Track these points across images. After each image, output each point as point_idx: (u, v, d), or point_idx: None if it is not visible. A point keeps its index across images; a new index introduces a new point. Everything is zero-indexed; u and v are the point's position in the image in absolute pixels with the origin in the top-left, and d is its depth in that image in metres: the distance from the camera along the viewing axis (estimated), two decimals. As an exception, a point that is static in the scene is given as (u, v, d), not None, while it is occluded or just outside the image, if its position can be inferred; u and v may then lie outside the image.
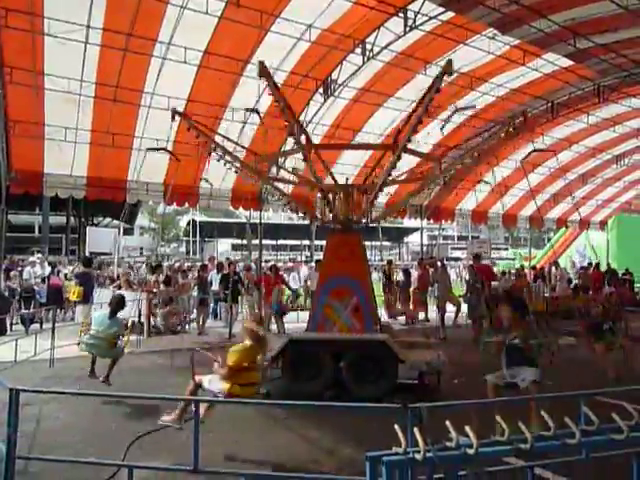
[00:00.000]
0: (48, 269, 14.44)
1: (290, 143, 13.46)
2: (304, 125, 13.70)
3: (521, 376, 4.95)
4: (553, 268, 18.87)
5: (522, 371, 4.99)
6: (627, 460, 2.84)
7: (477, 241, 26.26)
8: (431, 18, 10.69)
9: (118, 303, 6.98)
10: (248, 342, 4.77)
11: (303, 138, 7.65)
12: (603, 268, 18.20)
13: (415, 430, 2.45)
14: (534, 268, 19.13)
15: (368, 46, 11.58)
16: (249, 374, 4.68)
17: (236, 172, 9.21)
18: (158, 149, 10.63)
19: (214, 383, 4.71)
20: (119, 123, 11.86)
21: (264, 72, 6.82)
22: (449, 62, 6.81)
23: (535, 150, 12.89)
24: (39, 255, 16.90)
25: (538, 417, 3.96)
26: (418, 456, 2.31)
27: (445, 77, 6.76)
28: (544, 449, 2.63)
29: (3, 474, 3.18)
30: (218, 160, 8.36)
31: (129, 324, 9.04)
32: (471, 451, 2.34)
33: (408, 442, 2.41)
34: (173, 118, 7.81)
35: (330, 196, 7.45)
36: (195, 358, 4.92)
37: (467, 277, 14.23)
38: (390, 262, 16.25)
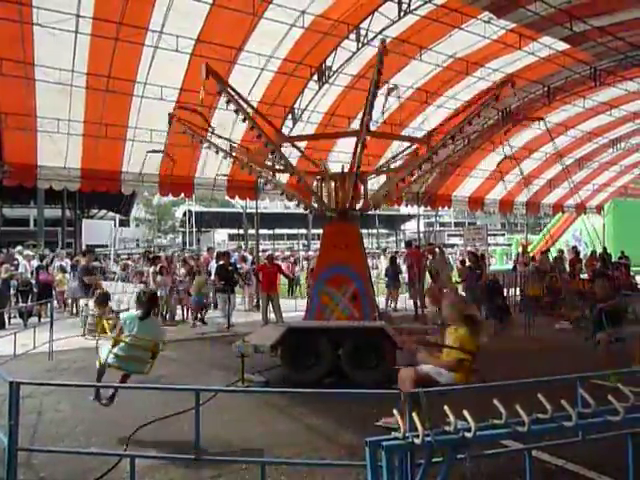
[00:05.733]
0: (35, 263, 14.38)
1: (285, 132, 13.50)
2: (299, 113, 13.68)
3: (627, 332, 6.49)
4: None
5: (625, 329, 6.58)
6: (623, 441, 2.88)
7: (473, 227, 26.25)
8: (426, 2, 10.58)
9: (150, 300, 5.32)
10: (464, 325, 4.38)
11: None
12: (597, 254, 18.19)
13: (414, 415, 2.47)
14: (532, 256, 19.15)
15: (362, 32, 11.47)
16: (473, 360, 4.34)
17: (233, 162, 9.20)
18: (158, 152, 10.51)
19: (445, 374, 4.30)
20: (112, 114, 11.75)
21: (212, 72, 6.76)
22: (511, 76, 6.97)
23: (505, 157, 12.82)
24: (19, 248, 16.75)
25: None
26: (417, 440, 2.33)
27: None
28: (541, 432, 2.66)
29: (6, 466, 3.20)
30: (217, 152, 8.33)
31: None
32: (469, 435, 2.37)
33: (407, 427, 2.43)
34: (170, 123, 7.78)
35: (327, 184, 7.44)
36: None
37: (461, 263, 14.29)
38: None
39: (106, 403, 5.03)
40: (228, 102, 7.38)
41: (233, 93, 7.34)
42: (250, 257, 16.74)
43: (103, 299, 10.39)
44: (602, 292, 6.96)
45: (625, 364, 5.91)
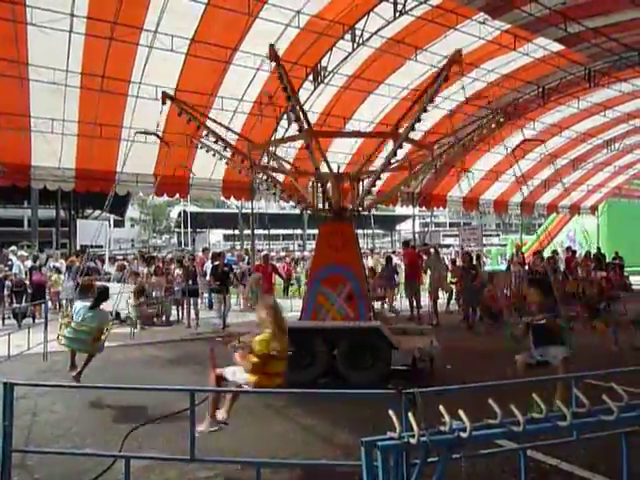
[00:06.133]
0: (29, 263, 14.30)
1: (280, 132, 13.50)
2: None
3: (552, 354, 5.18)
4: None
5: (551, 349, 5.20)
6: (617, 441, 2.89)
7: (468, 228, 26.32)
8: (421, 3, 10.60)
9: (100, 294, 6.63)
10: (270, 330, 4.51)
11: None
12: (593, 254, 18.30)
13: (409, 415, 2.47)
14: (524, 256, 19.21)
15: (358, 32, 11.48)
16: (275, 363, 4.47)
17: (226, 163, 9.16)
18: (148, 133, 10.42)
19: (239, 374, 4.50)
20: (106, 114, 11.70)
21: (274, 56, 6.81)
22: (458, 51, 6.78)
23: (526, 140, 13.03)
24: (13, 248, 16.66)
25: (563, 393, 4.30)
26: (413, 440, 2.33)
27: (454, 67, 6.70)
28: (536, 431, 2.67)
29: (0, 467, 3.17)
30: (207, 151, 8.30)
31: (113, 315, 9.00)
32: (464, 435, 2.37)
33: (403, 427, 2.44)
34: (164, 102, 7.71)
35: (323, 185, 7.43)
36: (215, 349, 4.81)
37: (452, 263, 14.30)
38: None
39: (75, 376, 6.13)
40: (189, 121, 7.45)
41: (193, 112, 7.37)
42: (246, 257, 16.76)
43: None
44: (535, 303, 5.54)
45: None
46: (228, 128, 8.96)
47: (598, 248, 19.76)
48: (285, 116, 13.71)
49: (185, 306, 12.61)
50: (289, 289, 18.61)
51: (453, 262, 14.07)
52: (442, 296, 13.70)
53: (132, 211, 47.53)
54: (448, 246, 39.57)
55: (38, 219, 29.14)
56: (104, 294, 6.70)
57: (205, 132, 7.62)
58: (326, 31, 11.33)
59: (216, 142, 7.73)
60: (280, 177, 11.55)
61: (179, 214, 47.39)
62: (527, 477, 2.80)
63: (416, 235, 21.90)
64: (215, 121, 8.62)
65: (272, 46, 6.84)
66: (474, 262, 13.19)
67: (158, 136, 10.39)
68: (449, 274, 13.99)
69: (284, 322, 4.56)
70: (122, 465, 3.32)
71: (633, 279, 17.71)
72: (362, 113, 14.49)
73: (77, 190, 13.71)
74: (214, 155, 8.42)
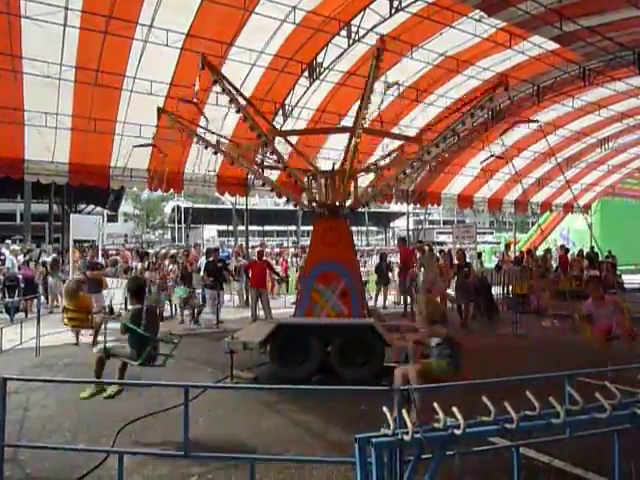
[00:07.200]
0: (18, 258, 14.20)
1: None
2: (289, 109, 13.65)
3: None
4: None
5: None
6: (609, 438, 2.91)
7: (462, 225, 26.40)
8: (417, 0, 10.59)
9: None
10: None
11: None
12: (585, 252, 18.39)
13: (403, 412, 2.48)
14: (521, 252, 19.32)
15: (353, 28, 11.45)
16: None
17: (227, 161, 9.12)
18: (145, 145, 10.50)
19: None
20: (101, 108, 11.63)
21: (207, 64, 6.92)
22: (504, 77, 6.88)
23: (492, 155, 13.25)
24: (7, 242, 16.58)
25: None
26: (406, 437, 2.33)
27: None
28: (529, 429, 2.68)
29: (-8, 462, 3.16)
30: (206, 148, 8.25)
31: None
32: (458, 432, 2.38)
33: (396, 424, 2.44)
34: (159, 117, 7.72)
35: (317, 181, 7.42)
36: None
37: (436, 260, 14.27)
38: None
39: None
40: (223, 91, 7.38)
41: (228, 85, 7.30)
42: (242, 253, 16.73)
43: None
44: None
45: None
46: (220, 135, 8.94)
47: (591, 247, 19.87)
48: (281, 111, 13.69)
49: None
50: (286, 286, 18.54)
51: (436, 260, 14.07)
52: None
53: (125, 206, 47.25)
54: (442, 244, 39.72)
55: (31, 213, 28.92)
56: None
57: (196, 139, 7.64)
58: (322, 27, 11.29)
59: (206, 147, 7.74)
60: (274, 175, 11.58)
61: (173, 209, 47.17)
62: (520, 474, 2.82)
63: (410, 232, 21.88)
64: (206, 129, 8.59)
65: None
66: (467, 260, 13.19)
67: (156, 146, 10.39)
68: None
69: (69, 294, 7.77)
70: (115, 461, 3.31)
71: (625, 277, 17.85)
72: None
73: (71, 184, 13.65)
74: (206, 148, 8.35)
